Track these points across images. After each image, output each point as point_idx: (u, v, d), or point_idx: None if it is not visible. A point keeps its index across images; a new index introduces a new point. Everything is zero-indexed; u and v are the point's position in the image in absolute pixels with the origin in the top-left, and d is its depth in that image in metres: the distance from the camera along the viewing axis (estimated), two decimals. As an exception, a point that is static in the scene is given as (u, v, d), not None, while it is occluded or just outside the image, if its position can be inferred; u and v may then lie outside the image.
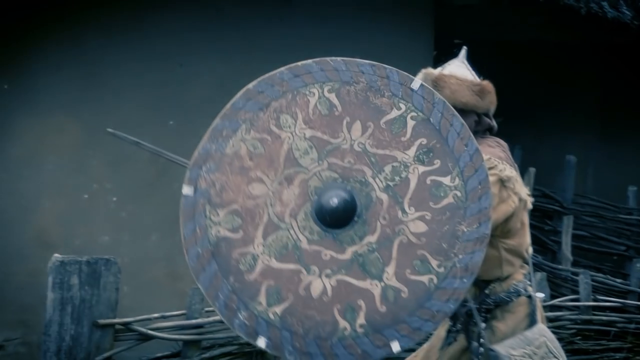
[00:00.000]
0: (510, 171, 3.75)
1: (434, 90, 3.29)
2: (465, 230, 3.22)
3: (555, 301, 7.84)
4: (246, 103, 3.36)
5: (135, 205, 7.76)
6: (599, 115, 13.72)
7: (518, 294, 3.89)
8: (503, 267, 3.87)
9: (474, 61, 12.78)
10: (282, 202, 3.31)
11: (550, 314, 7.60)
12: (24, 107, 7.53)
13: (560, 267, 10.56)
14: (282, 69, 3.36)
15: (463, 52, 4.11)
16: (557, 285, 10.10)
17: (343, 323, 3.26)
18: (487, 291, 3.90)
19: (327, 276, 3.28)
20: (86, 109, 7.70)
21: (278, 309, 3.28)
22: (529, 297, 3.92)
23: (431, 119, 3.26)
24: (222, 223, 3.34)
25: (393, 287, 3.26)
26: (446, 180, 3.23)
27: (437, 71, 3.99)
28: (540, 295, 4.13)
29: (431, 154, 3.25)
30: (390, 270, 3.25)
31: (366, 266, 3.27)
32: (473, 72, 4.03)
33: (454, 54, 12.47)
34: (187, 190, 3.42)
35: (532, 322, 3.89)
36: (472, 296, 3.92)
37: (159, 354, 6.05)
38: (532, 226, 11.04)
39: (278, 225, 3.31)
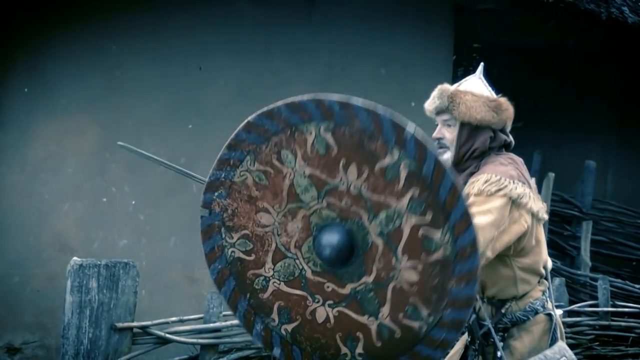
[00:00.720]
0: (522, 189, 3.69)
1: (426, 139, 3.20)
2: (454, 286, 3.22)
3: (574, 307, 7.81)
4: (249, 135, 3.39)
5: (153, 208, 7.77)
6: (619, 120, 13.66)
7: (535, 312, 3.86)
8: (518, 286, 3.84)
9: (494, 65, 12.80)
10: (288, 234, 3.39)
11: (568, 319, 7.57)
12: (44, 111, 7.55)
13: (578, 272, 10.52)
14: (280, 104, 3.33)
15: (480, 68, 4.10)
16: (575, 290, 10.07)
17: (344, 349, 3.41)
18: (503, 310, 3.87)
19: (330, 306, 3.39)
20: (105, 113, 7.72)
21: (289, 327, 3.45)
22: (548, 314, 3.88)
23: (423, 170, 3.19)
24: (237, 245, 3.47)
25: (387, 327, 3.34)
26: (437, 235, 3.21)
27: (453, 87, 3.97)
28: (559, 312, 4.10)
29: (423, 206, 3.21)
30: (385, 310, 3.33)
31: (364, 303, 3.35)
32: (490, 88, 4.01)
33: (473, 58, 12.50)
34: (203, 212, 3.54)
35: (553, 339, 3.87)
36: (489, 315, 3.90)
37: (177, 358, 6.06)
38: (550, 231, 11.10)
39: (285, 253, 3.41)
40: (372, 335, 3.36)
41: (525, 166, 3.93)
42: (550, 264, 4.01)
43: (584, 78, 13.30)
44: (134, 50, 7.84)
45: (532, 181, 3.96)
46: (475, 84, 3.99)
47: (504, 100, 3.97)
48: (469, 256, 3.20)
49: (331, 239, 3.31)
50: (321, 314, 3.40)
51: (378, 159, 3.23)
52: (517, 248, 3.78)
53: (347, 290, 3.37)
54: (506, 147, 4.00)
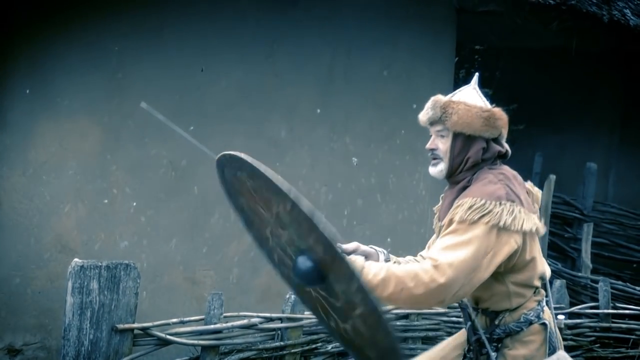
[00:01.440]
0: (510, 210, 3.67)
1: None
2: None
3: (575, 309, 7.81)
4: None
5: (154, 210, 7.78)
6: (620, 123, 13.68)
7: (530, 323, 3.85)
8: (512, 300, 3.84)
9: (496, 68, 12.81)
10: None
11: (569, 321, 7.58)
12: (45, 112, 7.55)
13: (579, 274, 10.54)
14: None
15: (475, 78, 4.10)
16: (576, 292, 10.09)
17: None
18: (496, 322, 3.87)
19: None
20: (107, 114, 7.72)
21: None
22: (543, 324, 3.87)
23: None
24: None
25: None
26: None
27: (446, 98, 3.97)
28: (561, 317, 4.10)
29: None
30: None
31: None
32: (484, 99, 4.01)
33: (475, 60, 12.49)
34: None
35: (551, 349, 3.85)
36: (482, 326, 3.90)
37: (178, 359, 6.06)
38: (551, 233, 11.11)
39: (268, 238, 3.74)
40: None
41: (517, 179, 3.90)
42: (548, 274, 3.99)
43: (586, 80, 13.32)
44: (136, 51, 7.84)
45: (529, 188, 3.94)
46: (469, 95, 3.98)
47: (497, 110, 3.97)
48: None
49: (300, 265, 3.43)
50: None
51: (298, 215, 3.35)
52: (508, 266, 3.77)
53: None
54: (503, 157, 3.98)
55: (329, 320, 3.66)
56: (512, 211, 3.67)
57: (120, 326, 5.40)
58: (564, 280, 7.82)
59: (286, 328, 6.30)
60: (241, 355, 6.15)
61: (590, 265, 10.74)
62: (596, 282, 8.90)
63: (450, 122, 3.85)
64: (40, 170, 7.52)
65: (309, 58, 8.63)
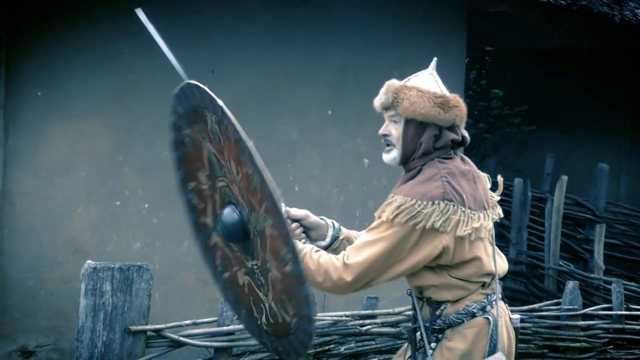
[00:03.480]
0: (444, 210, 3.61)
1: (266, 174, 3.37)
2: (302, 302, 3.46)
3: (588, 310, 7.78)
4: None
5: (167, 212, 7.79)
6: (632, 123, 13.66)
7: (472, 315, 3.77)
8: (452, 292, 3.77)
9: (507, 69, 12.79)
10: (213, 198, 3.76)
11: (582, 322, 7.56)
12: (57, 114, 7.57)
13: (592, 275, 10.51)
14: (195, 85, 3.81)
15: (433, 63, 3.98)
16: (589, 294, 10.06)
17: (255, 314, 3.72)
18: (437, 312, 3.81)
19: (244, 274, 3.71)
20: (118, 116, 7.74)
21: (225, 275, 3.90)
22: (487, 318, 3.78)
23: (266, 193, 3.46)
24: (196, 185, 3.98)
25: (274, 310, 3.58)
26: (284, 250, 3.43)
27: (400, 83, 3.87)
28: (516, 317, 4.03)
29: (272, 222, 3.43)
30: (270, 295, 3.57)
31: (259, 281, 3.61)
32: (441, 85, 3.87)
33: (486, 61, 12.46)
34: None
35: (491, 347, 3.77)
36: (426, 316, 3.86)
37: (191, 361, 6.07)
38: (564, 234, 11.10)
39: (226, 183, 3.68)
40: (265, 312, 3.59)
41: (467, 176, 3.82)
42: (502, 270, 3.93)
43: (598, 81, 13.30)
44: (147, 53, 7.82)
45: (478, 191, 3.86)
46: (425, 80, 3.86)
47: (452, 96, 3.84)
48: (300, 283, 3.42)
49: (227, 217, 3.59)
50: (240, 278, 3.68)
51: (244, 165, 3.42)
52: (442, 263, 3.72)
53: (249, 265, 3.61)
54: (461, 144, 3.90)
55: (259, 316, 3.72)
56: (446, 212, 3.62)
57: (133, 328, 5.40)
58: (577, 282, 7.78)
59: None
60: (254, 356, 6.15)
61: (603, 267, 10.71)
62: (609, 283, 8.88)
63: (402, 108, 3.74)
64: (53, 172, 7.54)
65: (320, 59, 8.63)
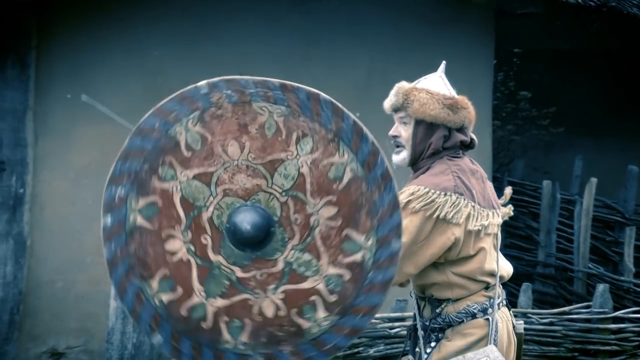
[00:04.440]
0: (455, 202, 3.63)
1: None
2: (284, 351, 3.21)
3: (618, 313, 7.75)
4: (306, 100, 3.28)
5: (195, 214, 7.80)
6: (662, 125, 13.57)
7: (472, 316, 3.76)
8: (453, 290, 3.76)
9: (534, 70, 12.73)
10: (232, 178, 3.22)
11: (612, 326, 7.53)
12: (86, 117, 7.60)
13: (622, 278, 10.45)
14: (352, 116, 3.29)
15: (442, 66, 4.03)
16: (619, 297, 10.00)
17: (155, 284, 3.25)
18: (438, 310, 3.80)
19: (188, 250, 3.23)
20: (147, 119, 7.76)
21: (139, 221, 3.24)
22: (487, 319, 3.76)
23: (370, 275, 3.20)
24: (189, 135, 3.24)
25: (205, 312, 3.24)
26: (322, 313, 3.21)
27: (410, 85, 3.91)
28: (520, 323, 4.01)
29: (338, 289, 3.20)
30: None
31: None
32: (450, 87, 3.92)
33: (514, 63, 12.43)
34: (202, 87, 3.30)
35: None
36: (427, 314, 3.86)
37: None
38: (593, 237, 11.04)
39: (210, 182, 3.23)
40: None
41: (476, 174, 3.84)
42: (507, 272, 3.92)
43: (627, 82, 13.22)
44: (175, 56, 7.88)
45: (487, 191, 3.86)
46: (434, 82, 3.92)
47: (461, 98, 3.89)
48: (321, 349, 3.21)
49: (244, 219, 3.21)
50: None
51: (355, 229, 3.20)
52: (449, 257, 3.72)
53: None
54: (469, 146, 3.92)
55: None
56: (457, 204, 3.64)
57: (163, 330, 5.41)
58: (607, 285, 7.75)
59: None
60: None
61: (633, 269, 10.64)
62: (639, 286, 8.83)
63: (412, 109, 3.79)
64: (82, 174, 7.57)
65: (347, 61, 8.63)
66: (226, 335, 3.27)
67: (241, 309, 3.25)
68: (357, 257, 3.20)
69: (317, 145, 3.22)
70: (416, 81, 3.94)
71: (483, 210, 3.73)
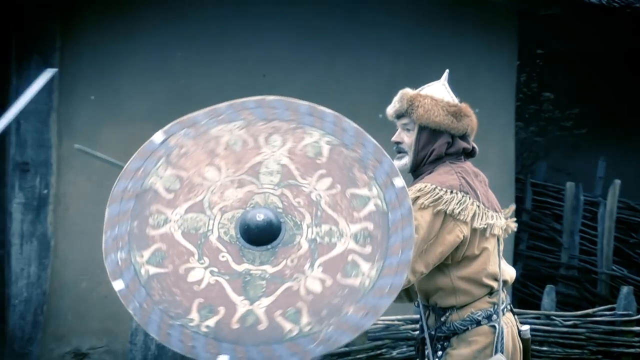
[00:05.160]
0: (461, 200, 3.67)
1: (407, 193, 3.32)
2: (349, 312, 3.23)
3: (643, 315, 7.72)
4: (256, 108, 3.45)
5: (218, 215, 7.82)
6: (686, 126, 13.50)
7: (477, 323, 3.76)
8: (457, 297, 3.77)
9: (558, 71, 12.68)
10: (222, 196, 3.35)
11: (636, 328, 7.50)
12: (110, 118, 7.64)
13: (646, 280, 10.41)
14: (304, 103, 3.48)
15: (445, 74, 4.06)
16: (643, 299, 9.96)
17: (194, 315, 3.27)
18: (442, 319, 3.80)
19: (212, 273, 3.30)
20: (171, 120, 7.76)
21: (152, 270, 3.30)
22: (493, 326, 3.76)
23: (389, 216, 3.31)
24: (163, 180, 3.38)
25: (256, 316, 3.27)
26: (366, 265, 3.27)
27: (414, 91, 3.93)
28: (525, 328, 4.00)
29: (369, 239, 3.30)
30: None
31: (248, 286, 3.29)
32: (453, 95, 3.96)
33: (537, 64, 12.39)
34: (157, 137, 3.49)
35: (496, 353, 3.74)
36: (432, 324, 3.86)
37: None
38: (616, 239, 10.99)
39: (204, 209, 3.35)
40: (234, 316, 3.27)
41: (479, 177, 3.87)
42: (510, 277, 3.93)
43: (650, 83, 13.16)
44: (200, 57, 7.90)
45: (490, 194, 3.87)
46: (438, 90, 3.95)
47: (465, 106, 3.92)
48: (385, 295, 3.23)
49: (266, 212, 3.32)
50: (196, 275, 3.31)
51: (355, 186, 3.34)
52: (455, 258, 3.73)
53: (240, 268, 3.32)
54: (470, 155, 3.95)
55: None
56: (464, 202, 3.67)
57: (187, 331, 5.42)
58: (631, 287, 7.71)
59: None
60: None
61: (657, 272, 10.62)
62: (663, 288, 8.80)
63: (416, 115, 3.81)
64: (106, 175, 7.57)
65: (370, 64, 8.63)
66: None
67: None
68: (370, 207, 3.32)
69: (285, 137, 3.40)
70: (420, 88, 3.97)
71: (487, 211, 3.76)
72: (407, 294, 3.98)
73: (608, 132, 13.44)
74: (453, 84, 9.12)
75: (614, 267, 10.72)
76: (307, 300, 3.27)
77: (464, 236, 3.68)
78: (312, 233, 3.33)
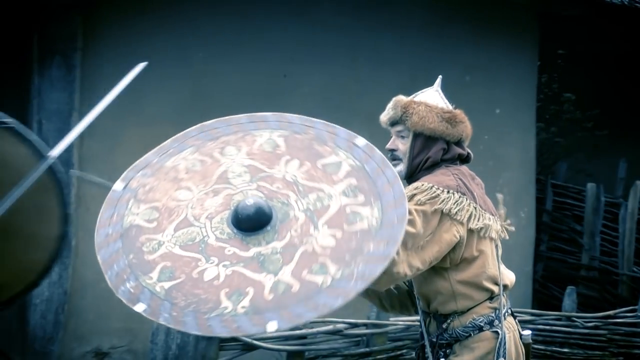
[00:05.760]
0: (458, 200, 3.63)
1: (374, 147, 3.41)
2: (371, 248, 3.27)
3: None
4: (199, 134, 3.64)
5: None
6: None
7: (479, 329, 3.72)
8: (458, 301, 3.73)
9: (578, 72, 12.63)
10: (203, 207, 3.45)
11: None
12: (132, 118, 7.66)
13: (667, 282, 10.38)
14: (241, 115, 3.67)
15: (438, 81, 4.03)
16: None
17: (226, 303, 3.30)
18: (444, 326, 3.76)
19: (225, 266, 3.35)
20: (191, 120, 7.70)
21: (166, 285, 3.35)
22: (495, 332, 3.73)
23: (366, 167, 3.42)
24: (140, 215, 3.47)
25: (285, 282, 3.30)
26: (365, 210, 3.34)
27: (408, 98, 3.90)
28: (527, 333, 3.96)
29: (357, 191, 3.38)
30: (287, 269, 3.31)
31: (265, 263, 3.34)
32: (447, 102, 3.92)
33: (558, 65, 12.35)
34: (118, 186, 3.61)
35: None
36: (433, 331, 3.84)
37: (263, 364, 6.10)
38: (637, 240, 10.95)
39: (192, 223, 3.43)
40: (265, 290, 3.31)
41: (475, 180, 3.85)
42: (510, 281, 3.87)
43: (672, 84, 13.12)
44: (221, 57, 7.91)
45: (486, 198, 3.84)
46: (431, 96, 3.91)
47: (459, 112, 3.87)
48: (394, 225, 3.29)
49: (253, 197, 3.41)
50: (211, 273, 3.36)
51: (322, 157, 3.48)
52: (453, 261, 3.70)
53: (250, 253, 3.38)
54: (465, 160, 3.91)
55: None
56: (460, 202, 3.64)
57: (207, 331, 5.44)
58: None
59: (372, 334, 6.29)
60: (325, 361, 6.17)
61: (679, 273, 10.57)
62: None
63: (411, 122, 3.78)
64: (127, 175, 7.62)
65: (391, 64, 8.62)
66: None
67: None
68: (345, 167, 3.45)
69: (238, 145, 3.56)
70: (413, 95, 3.93)
71: (484, 213, 3.73)
72: (401, 304, 4.00)
73: (629, 133, 13.40)
74: (474, 84, 9.15)
75: (635, 269, 10.68)
76: (327, 254, 3.32)
77: (460, 236, 3.64)
78: (302, 205, 3.41)
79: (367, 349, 6.27)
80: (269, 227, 3.37)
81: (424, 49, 8.73)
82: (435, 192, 3.63)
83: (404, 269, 3.53)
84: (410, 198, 3.61)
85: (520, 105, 9.61)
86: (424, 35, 8.73)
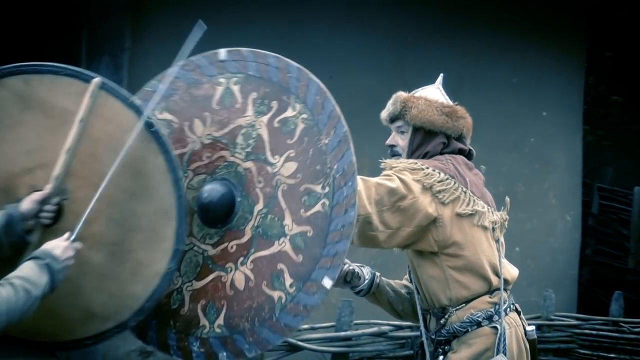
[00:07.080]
0: (442, 180, 3.59)
1: (239, 49, 3.57)
2: (326, 142, 3.29)
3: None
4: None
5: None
6: None
7: (477, 324, 3.66)
8: (452, 289, 3.67)
9: (626, 75, 12.51)
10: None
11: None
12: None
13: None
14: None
15: (440, 78, 4.02)
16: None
17: (276, 293, 3.28)
18: (442, 321, 3.70)
19: (242, 264, 3.33)
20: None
21: (220, 321, 3.34)
22: (494, 327, 3.66)
23: (250, 72, 3.53)
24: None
25: (298, 233, 3.29)
26: (289, 112, 3.36)
27: (407, 94, 3.88)
28: (531, 329, 3.89)
29: (266, 100, 3.40)
30: (288, 221, 3.30)
31: (267, 232, 3.32)
32: (447, 98, 3.91)
33: (605, 67, 12.26)
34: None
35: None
36: (432, 328, 3.80)
37: (307, 365, 6.11)
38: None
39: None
40: (291, 253, 3.29)
41: (473, 171, 3.80)
42: (511, 276, 3.80)
43: None
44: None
45: (485, 190, 3.78)
46: (431, 92, 3.91)
47: (460, 108, 3.86)
48: (323, 103, 3.35)
49: (205, 195, 3.37)
50: (239, 279, 3.34)
51: (211, 98, 3.50)
52: (439, 243, 3.62)
53: (248, 234, 3.36)
54: (467, 156, 3.84)
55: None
56: (447, 184, 3.60)
57: (251, 331, 5.45)
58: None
59: (416, 337, 6.28)
60: (370, 363, 6.18)
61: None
62: None
63: (410, 116, 3.76)
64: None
65: (437, 66, 8.55)
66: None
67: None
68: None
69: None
70: (414, 91, 3.93)
71: (478, 200, 3.68)
72: (414, 310, 3.92)
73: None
74: (521, 86, 9.08)
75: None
76: (301, 179, 3.32)
77: (438, 215, 3.58)
78: (240, 153, 3.41)
79: (412, 352, 6.26)
80: (238, 198, 3.37)
81: (472, 51, 8.71)
82: (420, 165, 3.62)
83: (376, 221, 3.48)
84: (392, 167, 3.62)
85: (567, 107, 9.56)
86: (472, 37, 8.70)
